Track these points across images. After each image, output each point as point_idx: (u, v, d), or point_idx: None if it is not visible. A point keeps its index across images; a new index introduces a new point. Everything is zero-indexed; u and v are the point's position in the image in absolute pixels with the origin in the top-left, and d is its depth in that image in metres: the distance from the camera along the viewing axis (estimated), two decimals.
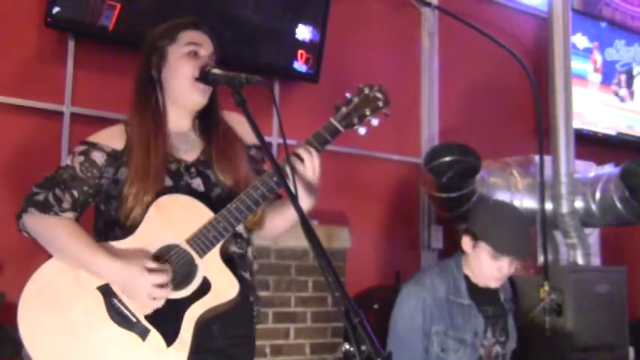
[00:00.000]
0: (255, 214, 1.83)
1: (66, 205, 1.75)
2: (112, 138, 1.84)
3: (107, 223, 1.82)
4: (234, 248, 1.86)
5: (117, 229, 1.79)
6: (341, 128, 1.77)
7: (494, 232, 2.43)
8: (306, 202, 1.78)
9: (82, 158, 1.80)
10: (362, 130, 1.79)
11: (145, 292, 1.68)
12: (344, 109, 1.77)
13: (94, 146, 1.82)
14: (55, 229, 1.73)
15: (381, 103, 1.78)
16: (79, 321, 1.71)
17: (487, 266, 2.44)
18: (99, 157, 1.81)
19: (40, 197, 1.74)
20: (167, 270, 1.71)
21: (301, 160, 1.76)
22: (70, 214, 1.76)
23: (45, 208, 1.73)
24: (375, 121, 1.78)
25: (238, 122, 1.93)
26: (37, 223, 1.74)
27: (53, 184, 1.76)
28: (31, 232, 1.76)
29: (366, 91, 1.78)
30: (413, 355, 2.41)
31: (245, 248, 1.90)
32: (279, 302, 3.37)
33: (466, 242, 2.49)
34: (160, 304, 1.70)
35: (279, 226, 1.95)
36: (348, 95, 1.79)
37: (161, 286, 1.68)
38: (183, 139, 1.89)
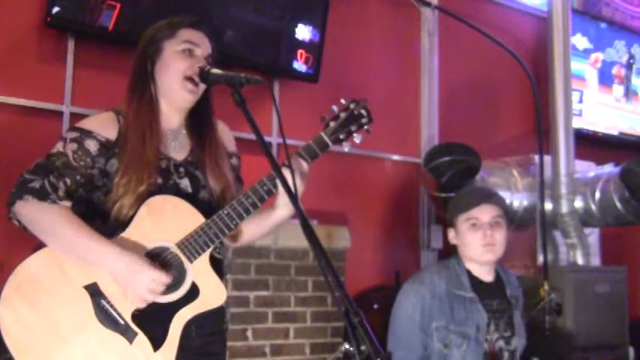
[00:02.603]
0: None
1: (61, 192, 1.70)
2: (105, 126, 1.80)
3: (87, 212, 1.76)
4: (215, 254, 1.86)
5: (97, 219, 1.75)
6: (330, 144, 1.83)
7: (460, 201, 2.59)
8: (287, 210, 1.85)
9: (74, 146, 1.76)
10: (347, 147, 1.85)
11: (144, 286, 1.66)
12: (332, 124, 1.83)
13: (88, 134, 1.78)
14: (53, 217, 1.68)
15: (365, 120, 1.85)
16: (65, 321, 1.67)
17: (473, 239, 2.49)
18: (92, 146, 1.77)
19: (36, 184, 1.68)
20: (168, 273, 1.70)
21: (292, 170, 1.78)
22: (67, 202, 1.71)
23: (42, 195, 1.68)
24: (358, 138, 1.85)
25: (220, 129, 1.97)
26: (33, 211, 1.68)
27: (46, 171, 1.71)
28: (24, 219, 1.69)
29: (352, 107, 1.84)
30: (410, 352, 2.42)
31: (224, 254, 1.92)
32: (278, 302, 3.37)
33: (451, 235, 2.58)
34: (152, 299, 1.69)
35: (254, 234, 1.97)
36: (334, 109, 1.84)
37: (160, 282, 1.67)
38: (173, 136, 1.89)
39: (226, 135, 2.00)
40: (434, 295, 2.43)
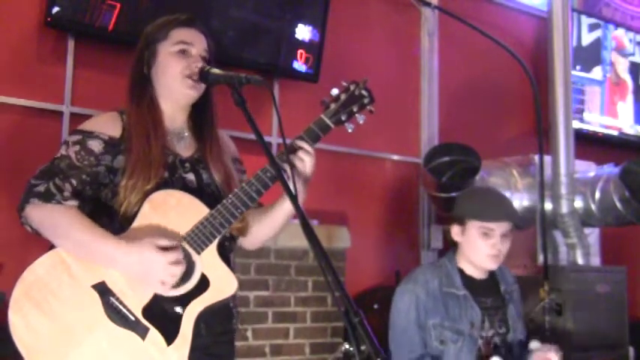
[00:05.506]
0: (241, 220, 1.83)
1: (67, 193, 1.71)
2: (107, 125, 1.81)
3: (95, 211, 1.77)
4: (225, 244, 1.86)
5: (104, 217, 1.75)
6: (332, 125, 1.80)
7: (476, 207, 2.52)
8: (300, 197, 1.78)
9: (77, 147, 1.76)
10: (350, 128, 1.82)
11: (160, 271, 1.66)
12: (333, 106, 1.81)
13: (90, 135, 1.78)
14: (59, 218, 1.69)
15: (366, 101, 1.82)
16: (76, 322, 1.67)
17: (480, 246, 2.47)
18: (96, 145, 1.77)
19: (41, 188, 1.70)
20: (177, 247, 1.70)
21: (300, 158, 1.77)
22: (74, 202, 1.71)
23: (47, 197, 1.69)
24: (361, 119, 1.82)
25: (221, 136, 1.97)
26: (40, 214, 1.70)
27: (51, 174, 1.72)
28: (34, 223, 1.71)
29: (352, 88, 1.82)
30: (412, 351, 2.43)
31: (233, 248, 1.92)
32: (278, 302, 3.37)
33: (455, 231, 2.54)
34: (174, 281, 1.68)
35: (266, 233, 1.95)
36: (334, 92, 1.82)
37: (176, 263, 1.67)
38: (177, 135, 1.89)
39: (224, 140, 2.00)
40: (428, 293, 2.45)
